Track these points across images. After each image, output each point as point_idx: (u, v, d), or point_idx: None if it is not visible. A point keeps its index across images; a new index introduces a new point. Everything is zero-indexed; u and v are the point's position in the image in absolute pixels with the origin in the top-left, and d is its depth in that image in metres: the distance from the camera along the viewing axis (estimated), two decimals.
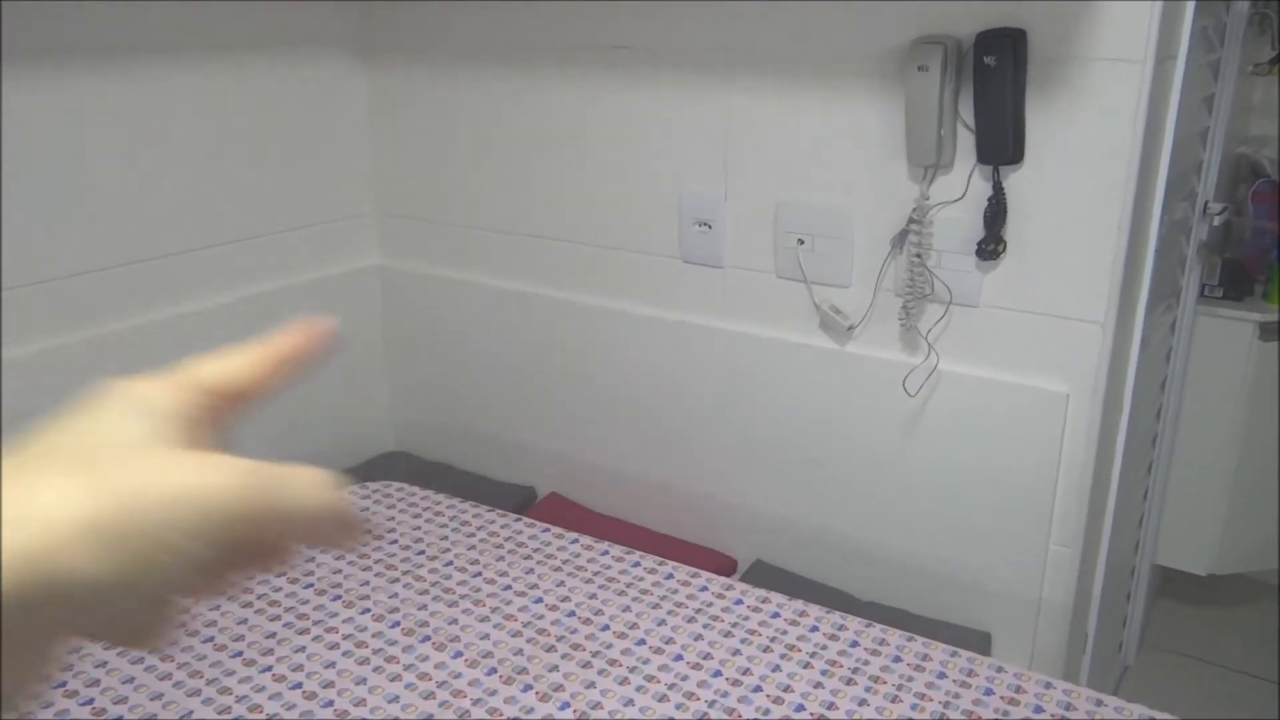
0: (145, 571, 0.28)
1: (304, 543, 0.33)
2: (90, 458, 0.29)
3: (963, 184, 1.34)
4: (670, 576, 1.33)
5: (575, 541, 1.42)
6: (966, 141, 1.32)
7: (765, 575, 1.60)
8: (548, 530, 1.45)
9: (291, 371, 0.38)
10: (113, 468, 0.29)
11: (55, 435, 0.31)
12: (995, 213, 1.32)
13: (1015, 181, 1.31)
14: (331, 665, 1.16)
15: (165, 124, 1.56)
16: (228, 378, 0.37)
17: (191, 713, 1.09)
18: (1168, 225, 1.44)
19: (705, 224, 1.56)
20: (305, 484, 0.32)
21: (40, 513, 0.27)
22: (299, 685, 1.13)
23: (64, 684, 1.12)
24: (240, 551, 0.32)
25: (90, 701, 1.10)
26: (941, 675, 1.13)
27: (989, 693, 1.10)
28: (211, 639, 1.20)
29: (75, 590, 0.26)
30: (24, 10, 1.36)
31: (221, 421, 0.36)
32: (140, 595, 0.28)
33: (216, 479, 0.29)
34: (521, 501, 1.82)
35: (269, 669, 1.16)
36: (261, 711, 1.09)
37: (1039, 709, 1.08)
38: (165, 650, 1.18)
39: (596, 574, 1.34)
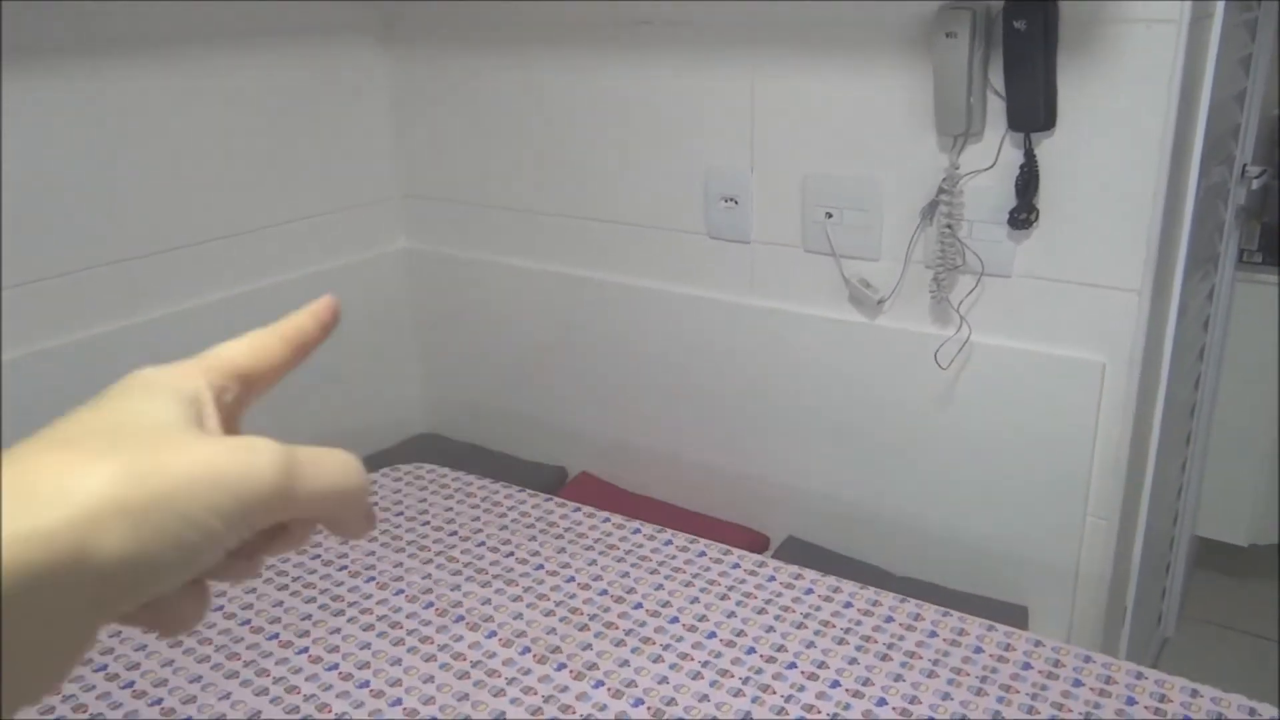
0: (176, 551, 0.28)
1: (329, 525, 0.33)
2: (121, 440, 0.29)
3: (993, 152, 1.31)
4: (702, 554, 1.33)
5: (607, 520, 1.42)
6: (997, 108, 1.30)
7: (798, 552, 1.59)
8: (579, 510, 1.45)
9: (304, 350, 0.39)
10: (144, 449, 0.28)
11: (86, 418, 0.31)
12: (1027, 181, 1.30)
13: (1047, 148, 1.29)
14: (367, 646, 1.17)
15: (190, 113, 1.57)
16: (248, 359, 0.37)
17: (230, 694, 1.10)
18: (1204, 190, 1.41)
19: (731, 199, 1.54)
20: (337, 466, 0.32)
21: (70, 493, 0.26)
22: (335, 666, 1.14)
23: (104, 667, 1.14)
24: (270, 532, 0.32)
25: (131, 684, 1.11)
26: (978, 650, 1.12)
27: (1027, 667, 1.09)
28: (248, 621, 1.22)
29: (106, 569, 0.26)
30: (42, 4, 1.37)
31: (244, 403, 0.36)
32: (171, 575, 0.28)
33: (249, 459, 0.29)
34: (553, 482, 1.82)
35: (305, 650, 1.16)
36: (299, 692, 1.10)
37: (1078, 683, 1.07)
38: (196, 630, 1.19)
39: (628, 553, 1.34)
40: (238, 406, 0.36)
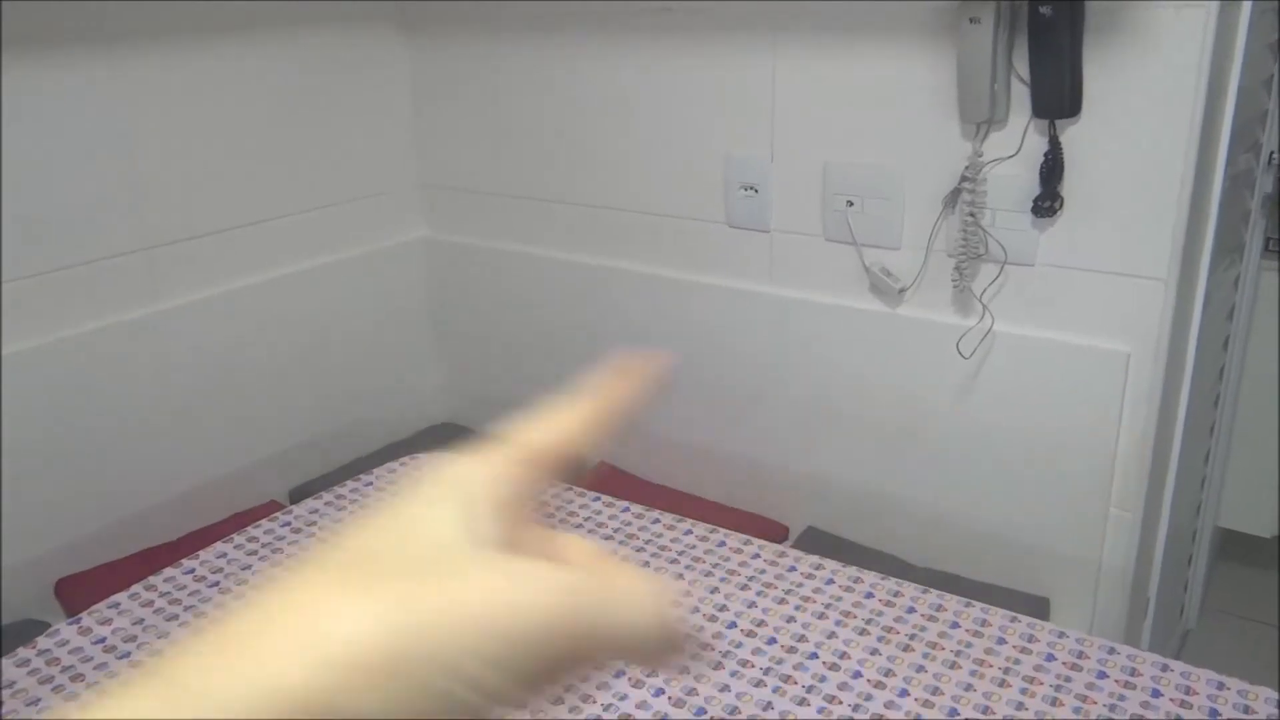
0: (434, 703, 0.25)
1: (627, 663, 0.30)
2: (394, 569, 0.27)
3: (1017, 139, 1.30)
4: (722, 544, 1.32)
5: (626, 510, 1.41)
6: (1021, 95, 1.29)
7: (817, 542, 1.59)
8: (599, 499, 1.44)
9: (624, 419, 0.34)
10: (417, 584, 0.26)
11: (368, 535, 0.28)
12: (1052, 168, 1.28)
13: (1073, 135, 1.27)
14: None
15: (210, 102, 1.57)
16: (557, 442, 0.33)
17: None
18: (1230, 177, 1.39)
19: (751, 188, 1.54)
20: (634, 603, 0.28)
21: (328, 647, 0.25)
22: None
23: (128, 655, 1.15)
24: (557, 669, 0.28)
25: None
26: (1001, 641, 1.12)
27: (1050, 658, 1.08)
28: None
29: None
30: None
31: (544, 488, 0.32)
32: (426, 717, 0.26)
33: (533, 599, 0.26)
34: (570, 471, 1.82)
35: None
36: None
37: (1102, 674, 1.06)
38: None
39: (648, 542, 1.34)
40: (541, 491, 0.33)
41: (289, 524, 1.38)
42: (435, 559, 0.27)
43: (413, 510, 0.28)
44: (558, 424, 0.33)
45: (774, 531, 1.64)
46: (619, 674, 1.09)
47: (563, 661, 0.27)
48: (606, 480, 1.78)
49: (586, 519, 1.39)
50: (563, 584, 0.27)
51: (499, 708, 0.26)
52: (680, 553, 1.31)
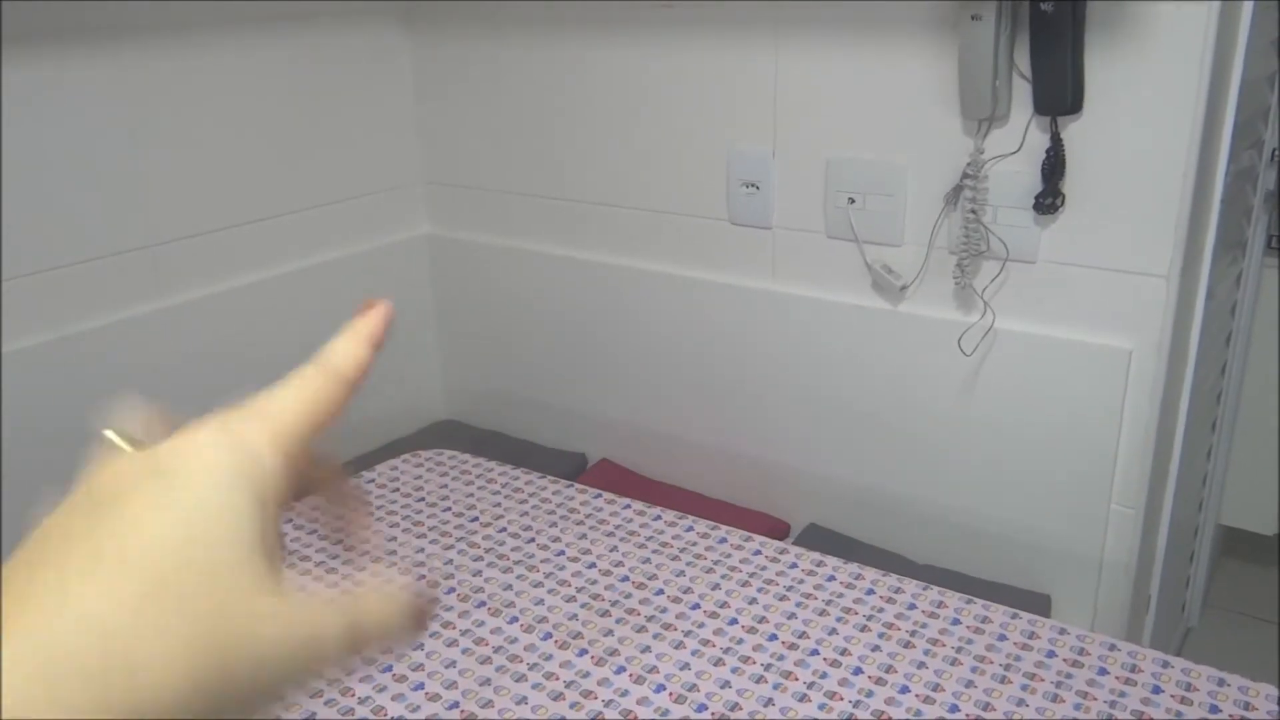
0: (237, 711, 0.27)
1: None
2: (195, 588, 0.26)
3: (1019, 136, 1.30)
4: (724, 541, 1.32)
5: (628, 507, 1.41)
6: (1023, 92, 1.29)
7: (819, 539, 1.59)
8: (600, 496, 1.44)
9: (357, 383, 0.34)
10: (219, 615, 0.26)
11: (156, 520, 0.27)
12: (1053, 165, 1.28)
13: (1074, 132, 1.27)
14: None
15: (213, 99, 1.57)
16: (309, 420, 0.32)
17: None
18: (1233, 174, 1.39)
19: (753, 185, 1.53)
20: (385, 605, 0.31)
21: (138, 676, 0.24)
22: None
23: None
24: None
25: None
26: (1002, 638, 1.12)
27: (1051, 655, 1.08)
28: None
29: None
30: None
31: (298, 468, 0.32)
32: None
33: (319, 631, 0.29)
34: (573, 468, 1.82)
35: (389, 669, 1.17)
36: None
37: (1103, 670, 1.06)
38: None
39: (649, 539, 1.34)
40: (297, 473, 0.32)
41: (289, 520, 1.38)
42: (232, 584, 0.27)
43: (210, 497, 0.28)
44: (305, 401, 0.32)
45: (776, 528, 1.64)
46: (619, 670, 1.09)
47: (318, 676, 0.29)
48: (607, 477, 1.78)
49: (588, 515, 1.40)
50: (334, 608, 0.29)
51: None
52: (681, 549, 1.31)
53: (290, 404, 0.31)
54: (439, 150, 1.88)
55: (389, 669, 1.11)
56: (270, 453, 0.30)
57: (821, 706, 1.03)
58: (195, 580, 0.26)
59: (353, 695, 1.08)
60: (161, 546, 0.26)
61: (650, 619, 1.18)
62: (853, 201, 1.45)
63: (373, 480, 1.50)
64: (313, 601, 0.29)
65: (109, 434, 0.29)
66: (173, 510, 0.27)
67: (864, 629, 1.14)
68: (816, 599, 1.20)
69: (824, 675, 1.07)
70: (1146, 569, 1.47)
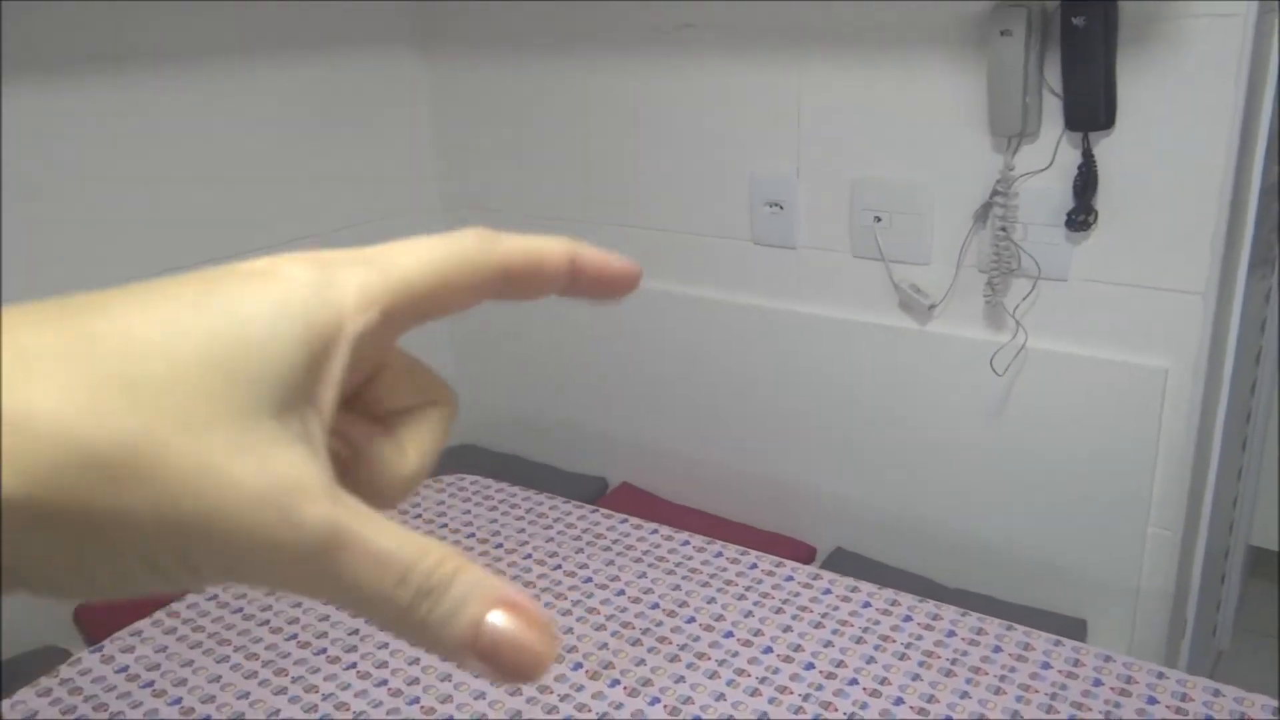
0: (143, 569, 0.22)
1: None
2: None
3: (1049, 153, 1.28)
4: (754, 566, 1.30)
5: (655, 532, 1.39)
6: (1053, 108, 1.27)
7: (846, 563, 1.56)
8: (625, 521, 1.42)
9: (519, 281, 0.27)
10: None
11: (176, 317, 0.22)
12: (1085, 181, 1.26)
13: (1106, 148, 1.25)
14: (415, 661, 1.14)
15: (230, 122, 1.56)
16: (433, 283, 0.26)
17: (249, 693, 1.08)
18: (1263, 189, 1.37)
19: (776, 204, 1.52)
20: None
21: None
22: (384, 682, 1.12)
23: (126, 668, 1.13)
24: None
25: (178, 701, 1.09)
26: (1046, 665, 1.09)
27: (1098, 683, 1.05)
28: (295, 636, 1.20)
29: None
30: (89, 14, 1.36)
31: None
32: None
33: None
34: (593, 492, 1.80)
35: (354, 665, 1.14)
36: (349, 710, 1.08)
37: (1152, 699, 1.03)
38: (215, 631, 1.17)
39: (678, 565, 1.31)
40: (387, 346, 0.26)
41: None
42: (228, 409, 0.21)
43: (246, 311, 0.22)
44: (438, 269, 0.26)
45: (801, 552, 1.61)
46: (653, 701, 1.06)
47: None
48: (629, 501, 1.75)
49: (615, 541, 1.37)
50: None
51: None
52: (711, 575, 1.28)
53: (415, 264, 0.26)
54: (457, 173, 1.87)
55: (415, 701, 1.08)
56: (357, 308, 0.24)
57: None
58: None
59: (348, 710, 1.05)
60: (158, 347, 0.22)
61: (683, 648, 1.15)
62: (879, 220, 1.43)
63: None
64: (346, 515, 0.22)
65: None
66: (198, 311, 0.23)
67: (903, 657, 1.12)
68: (852, 625, 1.17)
69: (864, 705, 1.05)
70: (1184, 592, 1.44)
